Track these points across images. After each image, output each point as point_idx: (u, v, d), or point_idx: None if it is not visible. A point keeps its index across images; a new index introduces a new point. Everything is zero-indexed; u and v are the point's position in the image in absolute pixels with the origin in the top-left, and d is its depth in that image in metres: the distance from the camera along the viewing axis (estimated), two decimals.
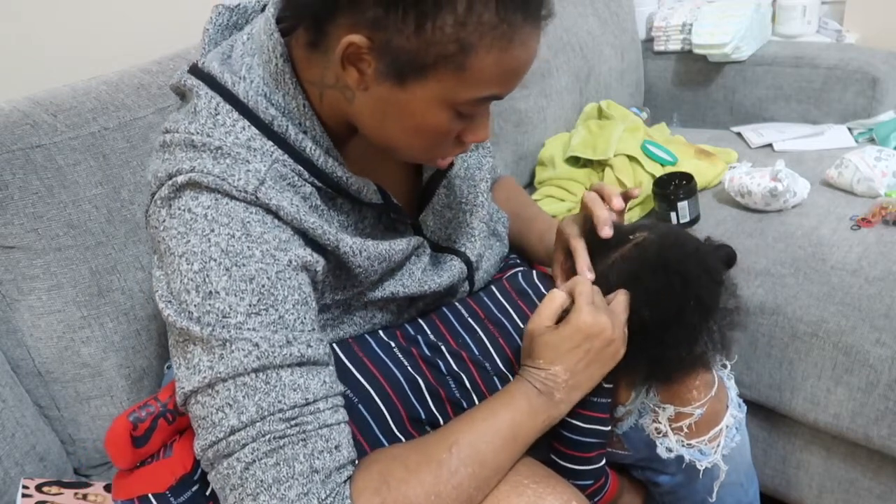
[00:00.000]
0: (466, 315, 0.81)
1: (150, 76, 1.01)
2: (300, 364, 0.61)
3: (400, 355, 0.76)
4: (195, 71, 0.68)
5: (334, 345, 0.75)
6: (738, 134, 1.67)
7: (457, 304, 0.83)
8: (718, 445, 0.84)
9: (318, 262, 0.66)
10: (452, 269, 0.81)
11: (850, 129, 1.56)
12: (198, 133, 0.63)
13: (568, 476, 0.78)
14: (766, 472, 1.22)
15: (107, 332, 0.94)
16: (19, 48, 1.10)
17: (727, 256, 0.81)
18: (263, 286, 0.60)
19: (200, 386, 0.59)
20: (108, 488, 0.85)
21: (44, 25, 1.13)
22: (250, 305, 0.59)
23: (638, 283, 0.76)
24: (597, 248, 0.81)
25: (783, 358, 1.11)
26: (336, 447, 0.61)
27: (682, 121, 1.89)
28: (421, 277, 0.78)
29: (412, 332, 0.78)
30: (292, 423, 0.59)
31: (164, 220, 0.62)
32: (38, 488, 0.81)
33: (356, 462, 0.64)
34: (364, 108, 0.65)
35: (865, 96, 1.61)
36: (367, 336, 0.77)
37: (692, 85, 1.86)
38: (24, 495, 0.79)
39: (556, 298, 0.73)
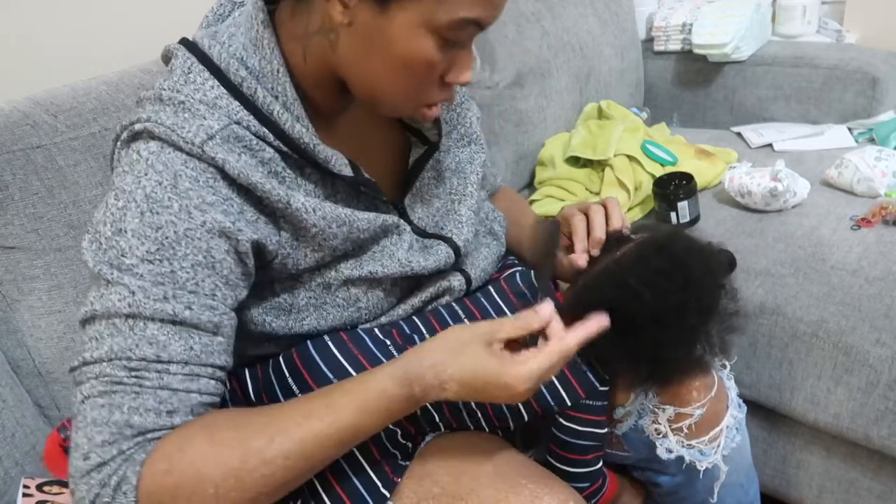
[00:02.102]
0: (463, 316, 0.81)
1: (150, 76, 1.01)
2: (172, 322, 0.61)
3: (395, 353, 0.76)
4: (183, 40, 0.71)
5: (328, 340, 0.75)
6: (738, 134, 1.67)
7: (454, 304, 0.83)
8: (718, 446, 0.84)
9: (242, 234, 0.64)
10: (439, 253, 0.80)
11: (850, 129, 1.56)
12: (168, 89, 0.65)
13: (564, 478, 0.78)
14: (766, 472, 1.22)
15: None
16: (19, 48, 1.10)
17: (727, 262, 0.81)
18: (167, 237, 0.61)
19: (85, 317, 0.62)
20: None
21: (44, 25, 1.13)
22: (148, 252, 0.61)
23: (640, 280, 0.75)
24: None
25: (783, 358, 1.11)
26: (169, 412, 0.60)
27: (682, 121, 1.89)
28: (402, 259, 0.77)
29: (408, 331, 0.78)
30: (132, 373, 0.59)
31: (119, 161, 0.65)
32: (39, 488, 0.81)
33: None
34: (349, 48, 0.66)
35: (865, 96, 1.61)
36: (361, 333, 0.77)
37: (692, 85, 1.86)
38: (24, 495, 0.79)
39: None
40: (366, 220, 0.73)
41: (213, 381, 0.64)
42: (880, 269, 1.07)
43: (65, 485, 0.83)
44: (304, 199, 0.68)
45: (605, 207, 0.84)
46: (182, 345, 0.61)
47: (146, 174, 0.62)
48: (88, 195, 0.91)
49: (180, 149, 0.62)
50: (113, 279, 0.60)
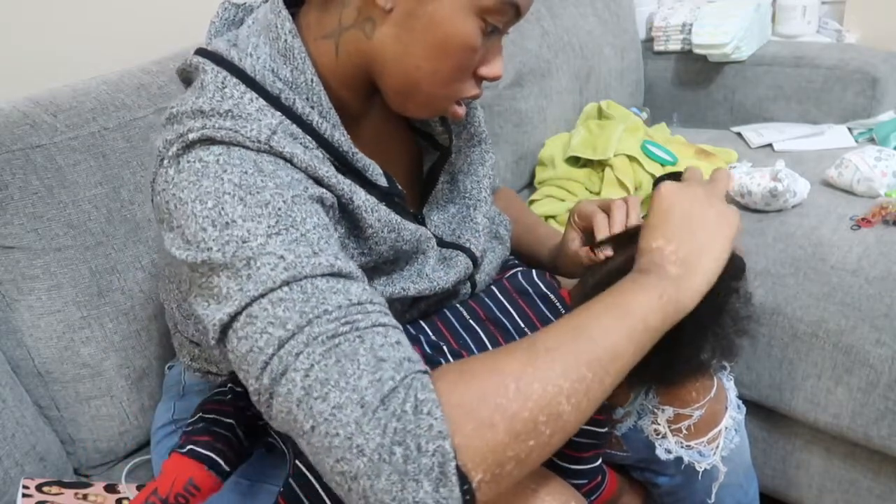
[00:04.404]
0: (467, 316, 0.81)
1: (150, 76, 1.01)
2: (332, 274, 0.56)
3: None
4: (200, 52, 0.68)
5: None
6: (738, 134, 1.67)
7: (458, 306, 0.83)
8: (717, 447, 0.84)
9: (334, 202, 0.64)
10: (459, 264, 0.80)
11: (850, 129, 1.56)
12: (206, 105, 0.62)
13: (562, 474, 0.78)
14: (766, 472, 1.22)
15: (107, 332, 0.94)
16: (19, 48, 1.10)
17: (739, 265, 0.80)
18: (280, 209, 0.57)
19: (236, 311, 0.54)
20: (108, 488, 0.85)
21: (44, 25, 1.13)
22: (269, 227, 0.56)
23: None
24: (616, 242, 0.81)
25: (783, 358, 1.11)
26: (397, 342, 0.54)
27: (682, 121, 1.89)
28: (431, 276, 0.77)
29: (413, 333, 0.78)
30: (342, 321, 0.53)
31: (172, 178, 0.60)
32: (39, 488, 0.81)
33: (424, 365, 0.56)
34: (387, 35, 0.65)
35: (865, 96, 1.61)
36: None
37: (692, 85, 1.86)
38: (24, 495, 0.79)
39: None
40: (409, 230, 0.72)
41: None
42: (880, 269, 1.07)
43: (65, 485, 0.83)
44: (365, 197, 0.67)
45: (626, 204, 0.83)
46: (357, 287, 0.56)
47: (225, 171, 0.58)
48: (88, 195, 0.91)
49: (247, 147, 0.60)
50: (254, 255, 0.55)
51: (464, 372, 0.53)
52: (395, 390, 0.50)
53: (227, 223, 0.56)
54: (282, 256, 0.55)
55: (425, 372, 0.54)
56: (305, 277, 0.55)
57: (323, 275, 0.56)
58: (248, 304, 0.54)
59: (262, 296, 0.54)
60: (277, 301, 0.54)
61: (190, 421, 0.79)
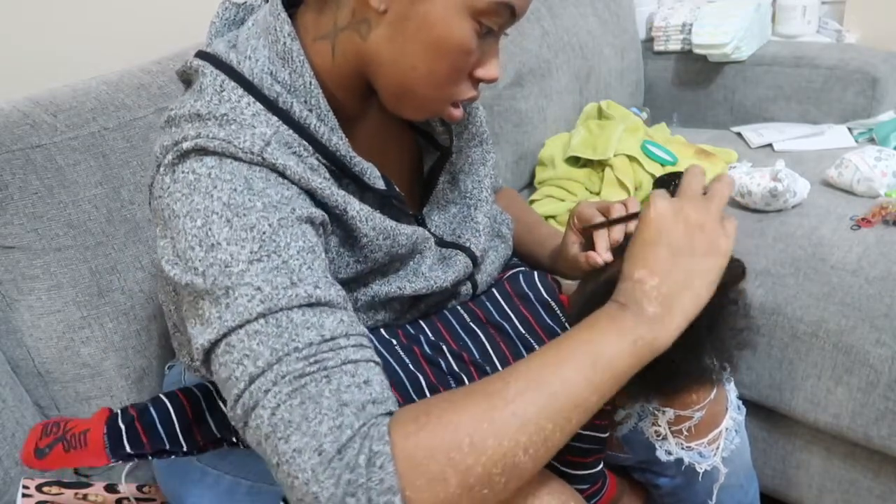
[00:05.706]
0: (468, 318, 0.81)
1: (150, 76, 1.01)
2: (309, 305, 0.58)
3: (401, 352, 0.76)
4: (200, 54, 0.68)
5: None
6: (738, 134, 1.67)
7: (458, 307, 0.83)
8: (718, 448, 0.84)
9: (325, 219, 0.65)
10: (458, 264, 0.80)
11: (850, 129, 1.57)
12: (203, 108, 0.63)
13: (564, 479, 0.78)
14: (766, 472, 1.22)
15: (107, 332, 0.94)
16: (19, 48, 1.10)
17: (740, 271, 0.78)
18: (264, 233, 0.58)
19: (215, 338, 0.57)
20: (108, 488, 0.85)
21: (44, 25, 1.13)
22: (251, 252, 0.58)
23: None
24: (617, 248, 0.80)
25: (783, 358, 1.11)
26: (365, 382, 0.56)
27: (682, 121, 1.89)
28: (427, 274, 0.77)
29: (413, 332, 0.78)
30: (311, 360, 0.55)
31: (168, 187, 0.61)
32: (39, 488, 0.81)
33: (393, 402, 0.57)
34: (382, 38, 0.65)
35: (865, 96, 1.62)
36: (370, 335, 0.77)
37: (692, 85, 1.86)
38: (24, 495, 0.79)
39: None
40: (405, 234, 0.72)
41: (371, 350, 0.60)
42: (880, 269, 1.07)
43: (65, 485, 0.83)
44: (359, 207, 0.67)
45: (626, 208, 0.83)
46: (333, 320, 0.58)
47: (216, 187, 0.59)
48: (88, 195, 0.91)
49: (240, 159, 0.60)
50: (232, 285, 0.57)
51: (420, 422, 0.54)
52: (352, 440, 0.52)
53: (212, 245, 0.58)
54: (259, 288, 0.57)
55: (388, 414, 0.55)
56: (281, 310, 0.57)
57: (299, 306, 0.57)
58: (227, 334, 0.57)
59: (240, 326, 0.56)
60: (253, 333, 0.56)
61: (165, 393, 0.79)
